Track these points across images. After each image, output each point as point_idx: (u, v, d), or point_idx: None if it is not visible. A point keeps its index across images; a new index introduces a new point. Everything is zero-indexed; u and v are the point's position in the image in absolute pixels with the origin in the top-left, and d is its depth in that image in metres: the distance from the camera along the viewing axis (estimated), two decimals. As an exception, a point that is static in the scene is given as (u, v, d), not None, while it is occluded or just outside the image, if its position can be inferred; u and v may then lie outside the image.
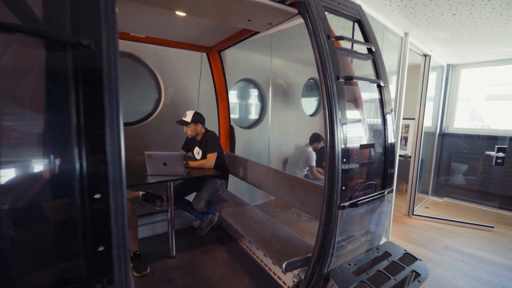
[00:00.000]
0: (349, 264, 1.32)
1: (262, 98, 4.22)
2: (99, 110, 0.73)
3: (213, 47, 2.69)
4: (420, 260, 1.44)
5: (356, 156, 1.26)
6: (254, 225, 1.94)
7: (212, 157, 2.43)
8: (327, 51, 1.21)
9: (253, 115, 4.33)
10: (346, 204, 1.18)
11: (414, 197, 3.68)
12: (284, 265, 1.43)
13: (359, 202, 1.21)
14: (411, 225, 3.36)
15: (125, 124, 2.74)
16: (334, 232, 1.19)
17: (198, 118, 2.48)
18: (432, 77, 4.18)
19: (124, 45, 2.57)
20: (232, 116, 3.19)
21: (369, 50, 1.48)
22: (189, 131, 2.49)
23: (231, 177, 2.87)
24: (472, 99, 4.57)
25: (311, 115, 5.08)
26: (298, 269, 1.54)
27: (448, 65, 4.32)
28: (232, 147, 3.14)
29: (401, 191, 4.69)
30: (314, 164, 3.59)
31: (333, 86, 1.19)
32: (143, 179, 2.03)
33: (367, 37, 1.49)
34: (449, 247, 2.77)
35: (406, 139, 4.81)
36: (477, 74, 4.32)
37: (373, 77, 1.49)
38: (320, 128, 5.10)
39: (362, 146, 1.29)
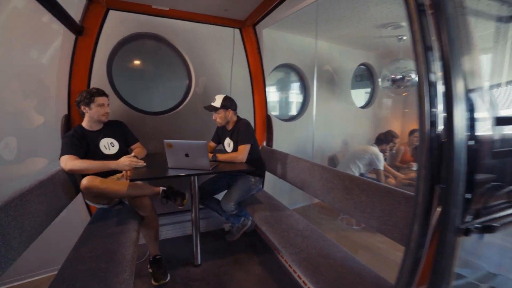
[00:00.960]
0: None
1: (304, 87, 3.70)
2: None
3: (246, 20, 2.29)
4: None
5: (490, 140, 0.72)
6: (295, 238, 1.48)
7: (244, 150, 2.02)
8: None
9: (294, 106, 3.83)
10: (473, 225, 0.65)
11: None
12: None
13: (496, 224, 0.66)
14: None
15: (152, 114, 2.51)
16: (445, 272, 0.66)
17: (228, 103, 2.10)
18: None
19: (148, 24, 2.33)
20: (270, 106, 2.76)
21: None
22: (218, 118, 2.12)
23: (267, 175, 2.44)
24: None
25: (363, 107, 4.37)
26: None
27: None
28: (269, 140, 2.71)
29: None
30: (382, 167, 2.95)
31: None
32: (164, 172, 1.71)
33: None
34: None
35: None
36: None
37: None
38: (374, 122, 4.37)
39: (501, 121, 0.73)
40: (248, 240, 2.34)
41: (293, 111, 3.80)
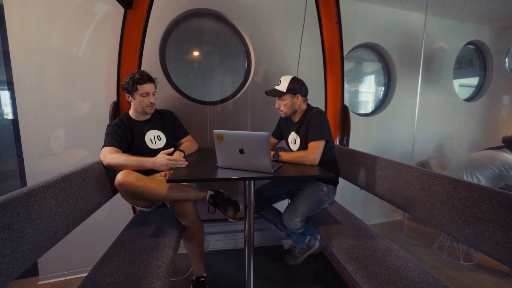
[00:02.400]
0: None
1: (388, 73, 2.93)
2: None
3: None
4: None
5: None
6: (393, 278, 0.89)
7: (317, 147, 1.47)
8: None
9: (370, 97, 3.09)
10: None
11: None
12: None
13: None
14: None
15: (206, 103, 2.18)
16: None
17: (298, 86, 1.59)
18: None
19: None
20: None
21: None
22: (282, 106, 1.62)
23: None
24: None
25: (468, 100, 3.32)
26: None
27: None
28: (344, 138, 2.10)
29: None
30: None
31: None
32: (211, 173, 1.30)
33: None
34: None
35: None
36: None
37: None
38: (485, 119, 3.27)
39: None
40: (314, 266, 1.79)
41: (369, 105, 3.06)
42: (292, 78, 1.59)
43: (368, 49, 2.85)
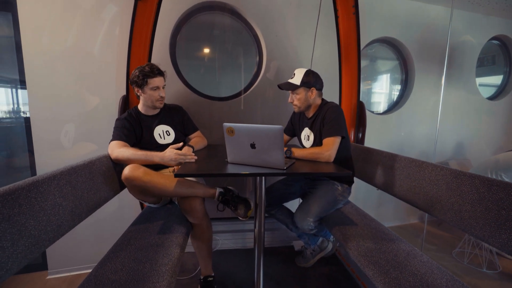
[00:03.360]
0: None
1: (406, 70, 2.80)
2: None
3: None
4: None
5: None
6: (418, 285, 0.80)
7: (332, 144, 1.39)
8: None
9: (384, 97, 2.96)
10: None
11: None
12: None
13: None
14: None
15: (217, 99, 2.13)
16: None
17: (313, 80, 1.51)
18: None
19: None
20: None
21: None
22: (296, 100, 1.55)
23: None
24: None
25: (491, 98, 3.14)
26: None
27: None
28: (359, 134, 2.00)
29: None
30: None
31: None
32: (220, 168, 1.23)
33: None
34: None
35: None
36: None
37: None
38: (509, 119, 3.09)
39: None
40: (327, 269, 1.71)
41: (381, 105, 2.94)
42: (307, 71, 1.51)
43: (385, 45, 2.73)
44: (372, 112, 2.75)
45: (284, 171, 1.15)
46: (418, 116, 2.74)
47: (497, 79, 3.22)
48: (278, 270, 1.71)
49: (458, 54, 2.85)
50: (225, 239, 1.96)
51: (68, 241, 1.80)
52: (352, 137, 2.04)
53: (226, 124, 1.22)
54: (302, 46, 2.14)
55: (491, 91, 3.21)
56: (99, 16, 1.78)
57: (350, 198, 1.70)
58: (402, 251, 1.10)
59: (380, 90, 2.95)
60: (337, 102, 2.09)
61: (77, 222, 1.02)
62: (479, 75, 3.02)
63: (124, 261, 0.98)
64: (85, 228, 1.78)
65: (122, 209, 1.92)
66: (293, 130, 1.78)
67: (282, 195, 1.72)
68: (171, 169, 1.50)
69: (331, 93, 2.06)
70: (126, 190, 1.36)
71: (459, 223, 1.01)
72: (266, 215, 1.69)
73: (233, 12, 2.12)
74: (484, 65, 3.16)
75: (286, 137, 1.83)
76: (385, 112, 2.80)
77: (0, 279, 0.69)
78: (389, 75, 2.89)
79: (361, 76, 2.78)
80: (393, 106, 2.82)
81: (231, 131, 1.23)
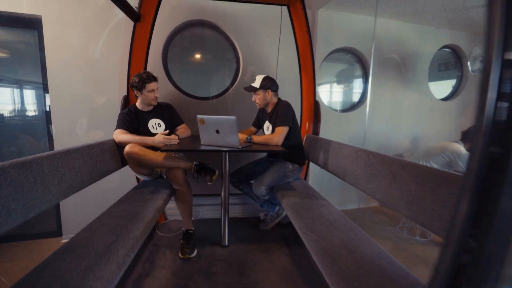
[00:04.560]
0: None
1: (366, 74, 3.27)
2: None
3: (294, -6, 2.14)
4: None
5: None
6: (320, 227, 1.27)
7: (280, 132, 1.88)
8: None
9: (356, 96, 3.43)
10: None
11: None
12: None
13: None
14: None
15: (201, 99, 2.60)
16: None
17: (268, 83, 1.99)
18: None
19: (199, 12, 2.43)
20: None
21: None
22: (257, 99, 2.04)
23: (315, 171, 2.23)
24: None
25: (445, 99, 3.61)
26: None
27: None
28: (315, 128, 2.47)
29: None
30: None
31: None
32: (196, 146, 1.73)
33: None
34: None
35: None
36: None
37: None
38: (459, 117, 3.55)
39: None
40: (282, 232, 2.17)
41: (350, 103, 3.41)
42: (264, 77, 2.00)
43: (347, 52, 3.21)
44: (336, 110, 3.22)
45: (239, 149, 1.64)
46: (377, 115, 3.21)
47: (451, 83, 3.68)
48: (244, 232, 2.18)
49: (412, 61, 3.32)
50: (206, 211, 2.43)
51: (79, 210, 2.28)
52: (311, 129, 2.51)
53: (199, 116, 1.70)
54: (272, 55, 2.62)
55: (446, 93, 3.67)
56: (106, 33, 2.27)
57: (316, 185, 2.16)
58: (319, 205, 1.57)
59: (356, 91, 3.42)
60: (299, 100, 2.57)
61: (93, 181, 1.50)
62: (435, 79, 3.48)
63: (121, 210, 1.45)
64: (94, 200, 2.26)
65: (123, 186, 2.39)
66: (259, 123, 2.26)
67: (250, 174, 2.20)
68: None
69: (293, 92, 2.54)
70: (127, 171, 1.83)
71: (363, 187, 1.41)
72: (240, 190, 2.17)
73: (214, 27, 2.60)
74: (441, 70, 3.64)
75: (254, 129, 2.31)
76: (348, 110, 3.27)
77: (34, 212, 1.11)
78: (361, 79, 3.35)
79: (338, 79, 3.28)
80: (354, 105, 3.30)
81: (202, 121, 1.71)
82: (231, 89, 2.65)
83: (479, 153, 0.48)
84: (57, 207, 2.31)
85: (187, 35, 2.61)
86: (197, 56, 2.70)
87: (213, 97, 2.65)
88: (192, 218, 2.38)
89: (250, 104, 2.62)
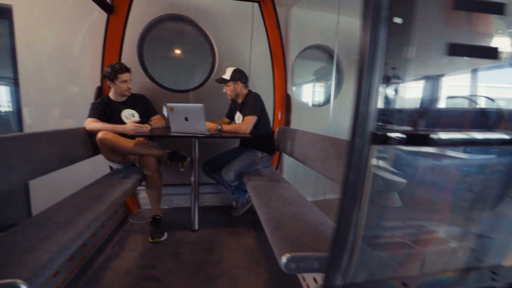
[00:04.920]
0: (405, 285, 0.61)
1: (338, 70, 3.43)
2: None
3: (264, -9, 2.25)
4: None
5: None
6: (276, 202, 1.37)
7: (248, 121, 1.98)
8: None
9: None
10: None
11: None
12: (284, 260, 0.84)
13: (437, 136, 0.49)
14: None
15: (177, 91, 2.66)
16: (356, 197, 0.53)
17: (238, 75, 2.09)
18: None
19: (175, 5, 2.50)
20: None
21: None
22: (228, 91, 2.14)
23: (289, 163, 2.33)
24: None
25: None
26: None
27: None
28: (287, 121, 2.60)
29: None
30: None
31: None
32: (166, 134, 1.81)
33: None
34: None
35: None
36: None
37: None
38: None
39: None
40: (252, 217, 2.27)
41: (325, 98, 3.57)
42: (234, 69, 2.09)
43: (319, 50, 3.35)
44: (313, 105, 3.36)
45: (207, 135, 1.72)
46: (341, 109, 3.35)
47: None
48: (216, 218, 2.26)
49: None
50: (180, 199, 2.50)
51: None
52: (283, 120, 2.62)
53: (168, 104, 1.77)
54: (246, 49, 2.71)
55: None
56: (79, 24, 2.29)
57: (290, 177, 2.25)
58: (281, 187, 1.68)
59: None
60: (271, 94, 2.68)
61: (61, 166, 1.54)
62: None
63: (90, 191, 1.51)
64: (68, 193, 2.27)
65: (97, 174, 2.41)
66: (231, 113, 2.35)
67: (222, 162, 2.28)
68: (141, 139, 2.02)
69: (266, 86, 2.65)
70: (101, 162, 1.86)
71: (319, 169, 1.54)
72: (213, 179, 2.26)
73: (190, 22, 2.66)
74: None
75: (227, 120, 2.40)
76: (320, 105, 3.42)
77: (13, 187, 1.17)
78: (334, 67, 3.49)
79: (316, 76, 3.41)
80: (327, 100, 3.45)
81: (172, 109, 1.79)
82: (207, 82, 2.72)
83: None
84: (27, 203, 2.30)
85: (163, 29, 2.66)
86: (174, 49, 2.76)
87: (189, 90, 2.72)
88: (166, 207, 2.47)
89: (225, 97, 2.72)
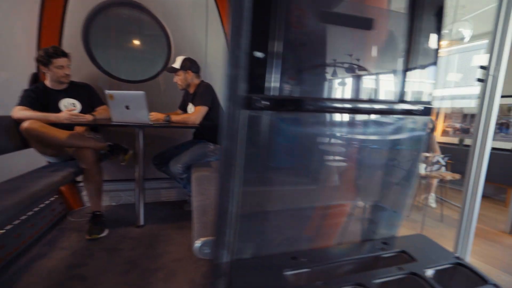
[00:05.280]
0: (294, 258, 0.60)
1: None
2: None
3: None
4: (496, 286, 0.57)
5: None
6: (213, 192, 1.33)
7: (198, 111, 1.92)
8: None
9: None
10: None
11: (525, 206, 2.33)
12: (198, 244, 0.80)
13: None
14: (510, 247, 2.09)
15: (129, 82, 2.51)
16: (232, 165, 0.52)
17: (188, 64, 2.02)
18: None
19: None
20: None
21: None
22: (178, 80, 2.05)
23: None
24: None
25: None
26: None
27: None
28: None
29: (502, 201, 3.17)
30: None
31: None
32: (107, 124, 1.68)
33: None
34: None
35: None
36: None
37: None
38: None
39: None
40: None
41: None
42: (184, 58, 2.02)
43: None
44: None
45: (151, 124, 1.64)
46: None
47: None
48: (166, 213, 2.17)
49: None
50: (128, 195, 2.36)
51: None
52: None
53: (108, 91, 1.65)
54: (202, 39, 2.63)
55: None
56: (11, 3, 2.06)
57: None
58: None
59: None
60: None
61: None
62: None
63: (11, 185, 1.35)
64: None
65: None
66: (184, 105, 2.27)
67: (172, 156, 2.17)
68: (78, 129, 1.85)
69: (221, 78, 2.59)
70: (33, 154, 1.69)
71: None
72: (163, 172, 2.15)
73: (144, 9, 2.52)
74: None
75: (180, 111, 2.31)
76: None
77: None
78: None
79: None
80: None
81: (111, 96, 1.67)
82: (162, 73, 2.60)
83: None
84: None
85: (114, 15, 2.50)
86: (128, 38, 2.60)
87: (144, 81, 2.58)
88: (114, 203, 2.31)
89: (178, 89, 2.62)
